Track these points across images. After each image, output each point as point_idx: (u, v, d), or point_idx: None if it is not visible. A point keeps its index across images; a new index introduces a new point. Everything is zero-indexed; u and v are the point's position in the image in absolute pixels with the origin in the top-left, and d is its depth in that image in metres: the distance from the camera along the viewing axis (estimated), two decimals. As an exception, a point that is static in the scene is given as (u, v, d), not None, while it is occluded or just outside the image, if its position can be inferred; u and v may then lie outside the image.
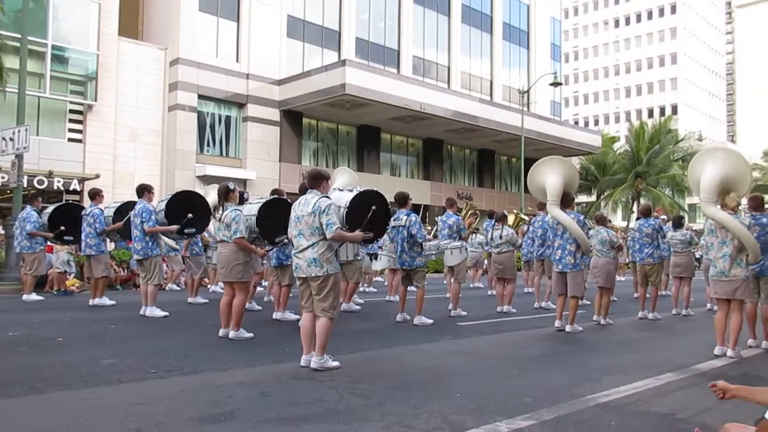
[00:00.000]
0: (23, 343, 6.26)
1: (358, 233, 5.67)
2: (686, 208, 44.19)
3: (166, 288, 13.04)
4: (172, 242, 11.55)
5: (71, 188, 20.28)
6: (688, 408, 4.30)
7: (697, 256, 11.32)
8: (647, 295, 9.89)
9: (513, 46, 37.58)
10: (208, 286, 12.65)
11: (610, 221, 11.61)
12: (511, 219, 11.18)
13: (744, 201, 7.25)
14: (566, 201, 8.07)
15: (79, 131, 21.80)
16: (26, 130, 12.52)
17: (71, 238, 10.61)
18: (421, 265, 8.46)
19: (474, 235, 13.20)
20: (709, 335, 6.88)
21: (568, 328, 7.98)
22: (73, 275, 12.82)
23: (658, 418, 4.03)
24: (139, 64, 23.27)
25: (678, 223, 10.78)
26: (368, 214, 6.33)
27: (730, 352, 6.30)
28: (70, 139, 21.58)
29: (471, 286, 15.15)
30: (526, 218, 11.95)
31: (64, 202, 14.50)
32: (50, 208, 10.89)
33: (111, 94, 22.09)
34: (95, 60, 21.67)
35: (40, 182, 19.22)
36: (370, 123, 29.24)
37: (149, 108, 23.44)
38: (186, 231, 8.94)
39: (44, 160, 19.83)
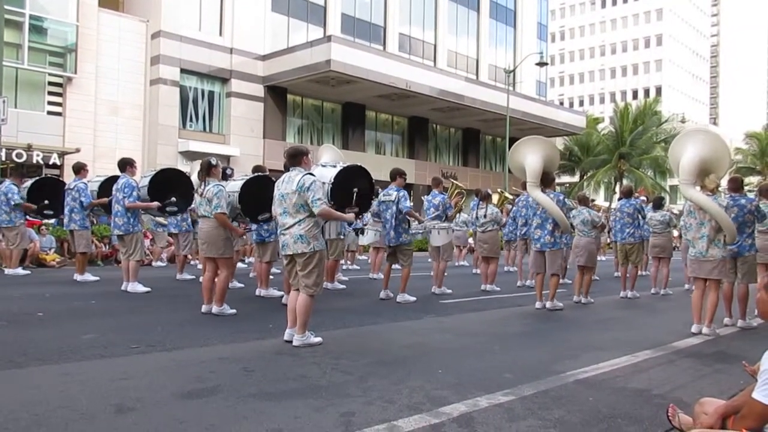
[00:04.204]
0: (2, 318, 6.19)
1: (349, 215, 5.67)
2: (668, 189, 44.70)
3: (153, 264, 12.99)
4: (160, 218, 11.47)
5: (51, 162, 19.98)
6: (664, 384, 4.39)
7: (675, 234, 11.51)
8: (627, 275, 10.05)
9: (500, 24, 37.39)
10: (191, 261, 12.57)
11: (593, 200, 11.71)
12: (495, 198, 11.24)
13: (724, 182, 7.35)
14: (546, 181, 8.10)
15: (59, 104, 21.41)
16: (3, 102, 12.28)
17: (51, 212, 10.47)
18: (407, 242, 8.48)
19: (459, 214, 13.25)
20: (687, 314, 7.01)
21: (548, 304, 8.09)
22: (53, 250, 12.69)
23: (635, 393, 4.11)
24: (120, 37, 22.82)
25: (658, 204, 10.91)
26: (354, 197, 6.41)
27: (705, 330, 6.43)
28: (49, 112, 21.20)
29: (456, 264, 15.24)
30: (510, 197, 12.01)
31: (43, 176, 14.26)
32: (28, 183, 10.72)
33: (91, 66, 21.67)
34: (74, 31, 21.20)
35: (19, 156, 18.90)
36: (355, 100, 29.04)
37: (131, 81, 23.05)
38: (167, 209, 8.87)
39: (23, 133, 19.46)
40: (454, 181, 10.38)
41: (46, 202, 10.28)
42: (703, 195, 6.42)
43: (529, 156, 8.04)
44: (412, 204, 8.43)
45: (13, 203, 10.19)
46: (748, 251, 7.07)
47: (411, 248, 8.64)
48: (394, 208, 8.29)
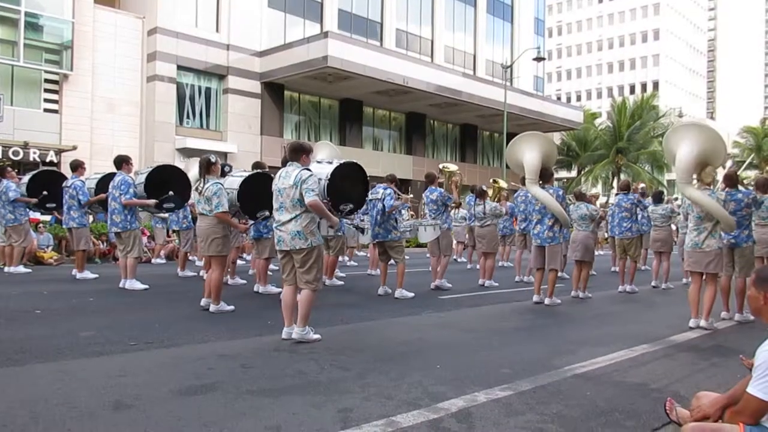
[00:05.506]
0: (0, 316, 6.18)
1: (335, 218, 5.76)
2: (665, 183, 44.74)
3: (152, 261, 12.98)
4: (163, 214, 11.45)
5: (47, 160, 19.91)
6: (661, 378, 4.40)
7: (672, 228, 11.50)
8: (626, 269, 10.06)
9: (497, 19, 37.32)
10: (191, 257, 12.55)
11: (593, 196, 11.70)
12: (491, 193, 11.22)
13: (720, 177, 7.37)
14: (545, 176, 8.11)
15: (55, 101, 21.34)
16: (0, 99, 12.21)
17: (54, 204, 10.44)
18: (396, 238, 8.50)
19: (458, 210, 13.23)
20: (685, 308, 7.02)
21: (547, 300, 8.09)
22: (50, 248, 12.67)
23: (633, 388, 4.12)
24: (116, 33, 22.74)
25: (658, 198, 10.90)
26: (348, 209, 6.56)
27: (703, 323, 6.44)
28: (45, 110, 21.14)
29: (456, 260, 15.21)
30: (505, 185, 11.93)
31: (40, 169, 14.21)
32: (26, 178, 10.69)
33: (87, 63, 21.61)
34: (70, 28, 21.13)
35: (16, 153, 18.85)
36: (352, 96, 28.99)
37: (127, 78, 22.99)
38: (165, 206, 8.86)
39: (19, 130, 19.42)
40: (445, 166, 10.27)
41: (45, 192, 10.23)
42: (700, 193, 6.41)
43: (527, 153, 8.05)
44: (394, 204, 8.43)
45: (12, 199, 10.15)
46: (745, 242, 7.12)
47: (401, 244, 8.66)
48: (380, 205, 8.34)
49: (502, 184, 11.81)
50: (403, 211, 8.83)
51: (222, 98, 25.47)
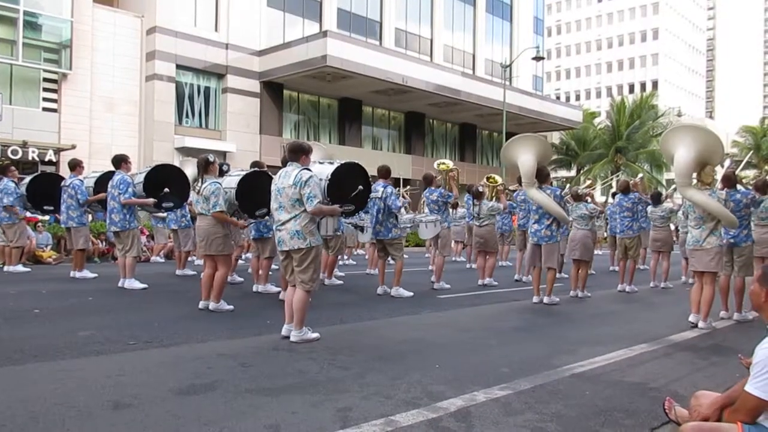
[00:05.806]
0: (-1, 316, 6.18)
1: (336, 207, 5.72)
2: (664, 183, 44.74)
3: (151, 260, 12.97)
4: (162, 213, 11.45)
5: (47, 159, 19.88)
6: (660, 378, 4.40)
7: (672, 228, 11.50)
8: (626, 269, 10.06)
9: (496, 19, 37.30)
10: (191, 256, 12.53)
11: (589, 187, 11.67)
12: (488, 192, 11.20)
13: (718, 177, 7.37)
14: (542, 176, 8.11)
15: (54, 101, 21.31)
16: (-2, 98, 12.19)
17: (51, 207, 10.45)
18: (396, 236, 8.49)
19: (455, 209, 13.22)
20: (684, 307, 7.04)
21: (545, 299, 8.10)
22: (49, 247, 12.66)
23: (631, 387, 4.12)
24: (115, 32, 22.71)
25: (657, 200, 10.92)
26: (355, 193, 6.44)
27: (701, 324, 6.45)
28: (44, 109, 21.09)
29: (453, 259, 15.24)
30: (499, 179, 11.89)
31: (40, 171, 14.22)
32: (27, 179, 10.70)
33: (86, 62, 21.57)
34: (69, 27, 21.09)
35: (14, 152, 18.82)
36: (351, 96, 28.98)
37: (126, 78, 22.95)
38: (164, 205, 8.85)
39: (18, 129, 19.39)
40: (440, 163, 10.21)
41: (43, 209, 10.44)
42: (700, 194, 6.41)
43: (521, 156, 8.04)
44: (401, 204, 8.41)
45: (4, 204, 10.14)
46: (744, 242, 7.14)
47: (401, 241, 8.65)
48: (381, 203, 8.30)
49: (498, 179, 11.73)
50: (402, 209, 8.80)
51: (221, 97, 25.44)
